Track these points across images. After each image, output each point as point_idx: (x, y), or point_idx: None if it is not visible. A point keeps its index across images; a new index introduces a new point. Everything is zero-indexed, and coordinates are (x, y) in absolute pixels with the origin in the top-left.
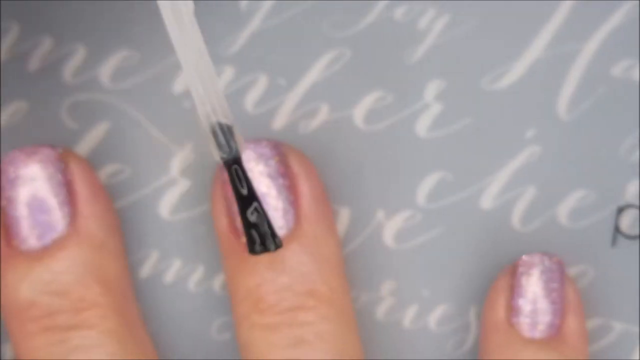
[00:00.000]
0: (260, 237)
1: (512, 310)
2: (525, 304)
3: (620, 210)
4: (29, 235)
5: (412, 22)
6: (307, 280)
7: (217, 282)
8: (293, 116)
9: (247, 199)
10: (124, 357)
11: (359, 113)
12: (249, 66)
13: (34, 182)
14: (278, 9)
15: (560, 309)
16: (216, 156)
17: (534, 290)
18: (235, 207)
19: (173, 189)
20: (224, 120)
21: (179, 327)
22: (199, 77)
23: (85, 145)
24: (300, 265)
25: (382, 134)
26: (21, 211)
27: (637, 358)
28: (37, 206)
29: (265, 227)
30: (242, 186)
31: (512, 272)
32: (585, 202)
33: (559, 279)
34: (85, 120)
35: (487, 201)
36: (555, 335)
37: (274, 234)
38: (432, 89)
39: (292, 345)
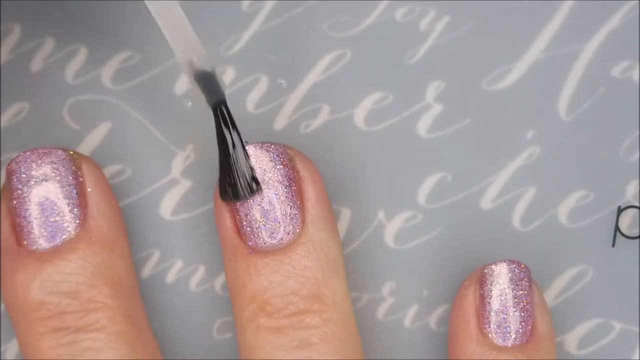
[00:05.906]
0: (240, 181)
1: (484, 320)
2: (496, 314)
3: (620, 211)
4: (39, 236)
5: (413, 23)
6: (313, 284)
7: (218, 283)
8: (294, 116)
9: (230, 141)
10: (134, 358)
11: (359, 113)
12: (250, 67)
13: (45, 183)
14: (279, 9)
15: (530, 316)
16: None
17: (504, 299)
18: (240, 210)
19: (174, 189)
20: (205, 67)
21: (180, 327)
22: (175, 32)
23: (86, 146)
24: (306, 270)
25: (382, 135)
26: (32, 212)
27: (637, 358)
28: (48, 207)
29: (246, 171)
30: (227, 127)
31: (480, 281)
32: (585, 203)
33: (527, 286)
34: (86, 120)
35: (487, 201)
36: (527, 340)
37: (255, 179)
38: (432, 89)
39: (297, 348)
